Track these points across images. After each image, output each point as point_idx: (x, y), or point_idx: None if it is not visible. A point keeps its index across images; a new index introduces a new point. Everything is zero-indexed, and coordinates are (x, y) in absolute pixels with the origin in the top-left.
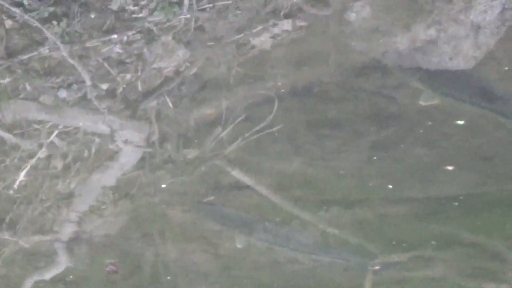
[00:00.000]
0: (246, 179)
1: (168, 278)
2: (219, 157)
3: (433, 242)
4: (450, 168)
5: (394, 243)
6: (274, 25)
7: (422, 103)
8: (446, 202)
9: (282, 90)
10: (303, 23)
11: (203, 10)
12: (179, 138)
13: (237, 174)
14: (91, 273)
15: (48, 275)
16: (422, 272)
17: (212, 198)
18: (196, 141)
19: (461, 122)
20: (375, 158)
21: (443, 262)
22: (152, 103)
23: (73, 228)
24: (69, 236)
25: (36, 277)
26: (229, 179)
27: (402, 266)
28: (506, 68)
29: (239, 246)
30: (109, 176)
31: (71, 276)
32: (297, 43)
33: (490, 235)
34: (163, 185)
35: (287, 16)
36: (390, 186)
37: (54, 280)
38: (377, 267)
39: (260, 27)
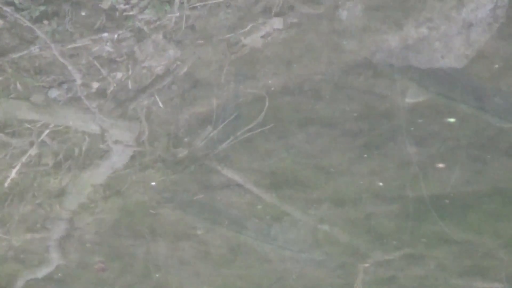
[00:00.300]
0: (237, 178)
1: (159, 276)
2: (210, 156)
3: (424, 240)
4: (441, 165)
5: (384, 241)
6: (265, 23)
7: (408, 100)
8: (437, 200)
9: (273, 89)
10: (294, 21)
11: (194, 8)
12: (169, 137)
13: (227, 172)
14: (82, 270)
15: (40, 273)
16: (413, 270)
17: (201, 196)
18: (186, 140)
19: (452, 120)
20: (365, 156)
21: (434, 260)
22: (142, 102)
23: (65, 225)
24: (61, 234)
25: (28, 276)
26: (220, 177)
27: (393, 264)
28: (497, 66)
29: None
30: (99, 175)
31: (60, 274)
32: (288, 41)
33: (481, 233)
34: (153, 183)
35: (278, 14)
36: (381, 184)
37: (45, 278)
38: (368, 265)
39: (251, 26)
